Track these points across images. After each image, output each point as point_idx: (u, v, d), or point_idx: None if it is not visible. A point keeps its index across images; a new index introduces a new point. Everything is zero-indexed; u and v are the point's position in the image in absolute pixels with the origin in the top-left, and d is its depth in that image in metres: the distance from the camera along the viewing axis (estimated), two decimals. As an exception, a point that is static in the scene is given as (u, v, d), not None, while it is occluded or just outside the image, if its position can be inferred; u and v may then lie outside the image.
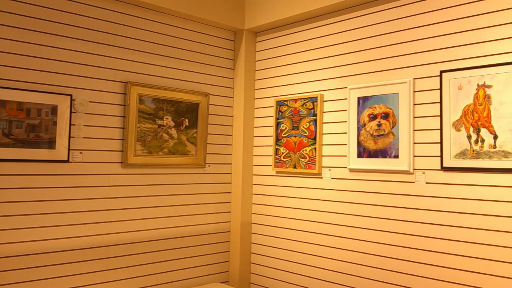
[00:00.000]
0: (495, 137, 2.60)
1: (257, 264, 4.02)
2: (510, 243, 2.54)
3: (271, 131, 3.97)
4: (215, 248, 3.99)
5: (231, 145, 4.13)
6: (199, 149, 3.83)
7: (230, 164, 4.12)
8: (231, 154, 4.13)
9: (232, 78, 4.15)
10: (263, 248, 3.97)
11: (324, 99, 3.55)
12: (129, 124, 3.40)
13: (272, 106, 3.97)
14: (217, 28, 4.03)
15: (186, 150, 3.75)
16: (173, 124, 3.67)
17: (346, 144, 3.39)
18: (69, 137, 3.12)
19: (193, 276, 3.84)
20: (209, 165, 3.95)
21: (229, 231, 4.09)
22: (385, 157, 3.11)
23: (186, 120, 3.75)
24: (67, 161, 3.12)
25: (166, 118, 3.62)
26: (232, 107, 4.14)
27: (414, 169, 2.98)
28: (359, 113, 3.28)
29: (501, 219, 2.58)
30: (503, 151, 2.57)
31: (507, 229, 2.56)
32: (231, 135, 4.14)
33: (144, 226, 3.53)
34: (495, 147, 2.60)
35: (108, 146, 3.34)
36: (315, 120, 3.56)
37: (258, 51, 4.14)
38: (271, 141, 3.97)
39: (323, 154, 3.54)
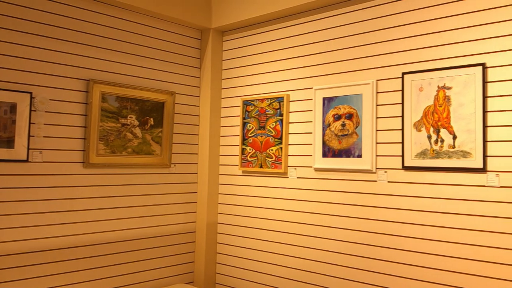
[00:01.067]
0: (454, 137, 2.68)
1: (222, 264, 4.01)
2: (467, 240, 2.63)
3: (238, 130, 3.96)
4: (180, 249, 3.95)
5: (197, 144, 4.10)
6: (164, 149, 3.78)
7: (196, 163, 4.09)
8: (197, 154, 4.10)
9: (198, 77, 4.12)
10: (229, 248, 3.96)
11: (290, 99, 3.58)
12: (91, 123, 3.32)
13: (239, 106, 3.96)
14: (183, 26, 3.99)
15: (151, 150, 3.70)
16: (138, 123, 3.61)
17: (311, 144, 3.42)
18: (29, 136, 3.02)
19: (157, 277, 3.78)
20: (174, 165, 3.90)
21: (194, 232, 4.06)
22: (349, 156, 3.16)
23: (151, 119, 3.70)
24: (27, 160, 3.01)
25: (130, 117, 3.56)
26: (198, 106, 4.11)
27: (377, 168, 3.04)
28: (324, 113, 3.32)
29: (459, 217, 2.67)
30: (461, 151, 2.65)
31: (465, 226, 2.64)
32: (197, 135, 4.10)
33: (107, 228, 3.46)
34: (454, 147, 2.68)
35: (69, 146, 3.25)
36: (282, 120, 3.58)
37: (225, 50, 4.13)
38: (237, 140, 3.96)
39: (289, 154, 3.57)
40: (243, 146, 3.85)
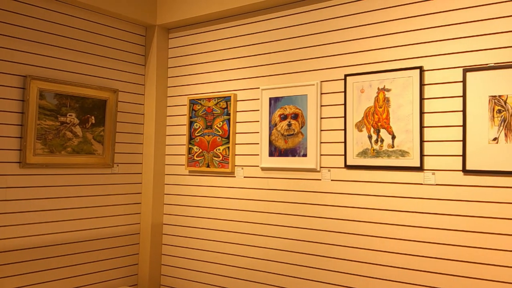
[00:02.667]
0: (393, 137, 2.80)
1: (168, 265, 3.94)
2: (406, 236, 2.75)
3: (184, 129, 3.91)
4: (123, 251, 3.85)
5: (142, 144, 4.01)
6: (107, 148, 3.66)
7: (141, 163, 4.00)
8: (141, 153, 4.00)
9: (143, 75, 4.03)
10: (175, 249, 3.91)
11: (238, 99, 3.58)
12: (28, 121, 3.15)
13: (185, 105, 3.92)
14: (127, 22, 3.88)
15: (92, 149, 3.57)
16: (78, 122, 3.47)
17: (258, 143, 3.44)
18: (-44, 134, 2.82)
19: (100, 281, 3.66)
20: (117, 165, 3.79)
21: (138, 233, 3.97)
22: (294, 156, 3.21)
23: (93, 117, 3.57)
24: (-46, 161, 2.81)
25: (69, 115, 3.41)
26: (143, 104, 4.02)
27: (321, 167, 3.12)
28: (270, 113, 3.35)
29: (398, 213, 2.79)
30: (400, 150, 2.77)
31: (404, 223, 2.76)
32: (142, 134, 4.01)
33: (46, 230, 3.30)
34: (393, 146, 2.80)
35: (4, 145, 3.07)
36: (229, 120, 3.57)
37: (170, 48, 4.06)
38: (184, 140, 3.91)
39: (236, 153, 3.57)
40: (190, 146, 3.81)
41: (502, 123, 2.41)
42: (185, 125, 3.91)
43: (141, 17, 3.82)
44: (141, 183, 3.99)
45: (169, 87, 4.06)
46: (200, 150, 3.73)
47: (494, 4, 2.50)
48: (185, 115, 3.91)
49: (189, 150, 3.81)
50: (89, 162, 3.55)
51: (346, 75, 3.00)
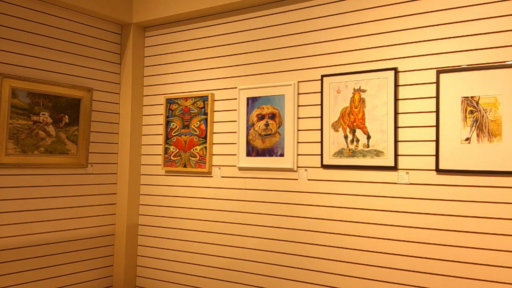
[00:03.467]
0: (368, 137, 2.84)
1: (143, 266, 3.90)
2: (380, 235, 2.80)
3: (161, 129, 3.88)
4: (98, 252, 3.78)
5: (117, 143, 3.95)
6: (81, 148, 3.60)
7: (116, 163, 3.94)
8: (117, 153, 3.94)
9: (118, 74, 3.97)
10: (150, 250, 3.87)
11: (215, 99, 3.57)
12: (0, 120, 3.07)
13: (162, 104, 3.88)
14: (102, 20, 3.82)
15: (65, 149, 3.49)
16: (51, 121, 3.39)
17: (235, 143, 3.44)
18: None
19: (74, 283, 3.59)
20: (91, 165, 3.73)
21: (113, 234, 3.91)
22: (272, 155, 3.23)
23: (66, 116, 3.49)
24: None
25: (42, 114, 3.34)
26: (118, 103, 3.96)
27: (298, 167, 3.14)
28: (248, 113, 3.35)
29: (373, 212, 2.83)
30: (375, 150, 2.81)
31: (378, 221, 2.81)
32: (117, 133, 3.95)
33: (18, 232, 3.21)
34: (368, 146, 2.84)
35: (-28, 144, 2.98)
36: (206, 119, 3.56)
37: (147, 47, 4.02)
38: (160, 139, 3.88)
39: (214, 153, 3.56)
40: (167, 145, 3.77)
41: (474, 124, 2.48)
42: (161, 124, 3.87)
43: (116, 15, 3.76)
44: (116, 183, 3.94)
45: (145, 86, 4.01)
46: (177, 150, 3.70)
47: (467, 7, 2.57)
48: (162, 114, 3.87)
49: (166, 150, 3.77)
50: (63, 162, 3.48)
51: (322, 76, 3.02)
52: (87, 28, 3.71)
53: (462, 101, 2.52)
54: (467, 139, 2.50)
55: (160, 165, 3.86)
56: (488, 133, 2.44)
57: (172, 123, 3.75)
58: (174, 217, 3.75)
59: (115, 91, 3.94)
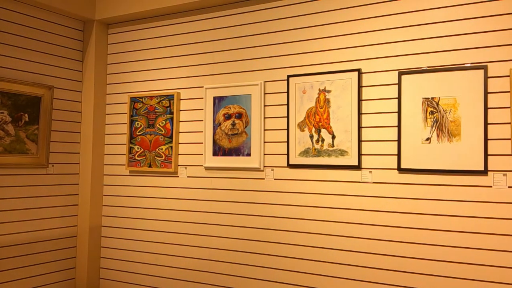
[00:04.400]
0: (333, 137, 2.90)
1: (107, 268, 3.82)
2: (345, 233, 2.86)
3: (125, 128, 3.81)
4: (60, 255, 3.68)
5: (79, 143, 3.85)
6: (41, 148, 3.48)
7: (78, 163, 3.84)
8: (79, 153, 3.84)
9: (80, 71, 3.87)
10: (114, 252, 3.79)
11: (181, 98, 3.54)
12: (-48, 118, 2.93)
13: (126, 103, 3.81)
14: (64, 16, 3.71)
15: (25, 149, 3.37)
16: (10, 120, 3.27)
17: (202, 143, 3.43)
18: None
19: (34, 286, 3.47)
20: (52, 165, 3.62)
21: (76, 236, 3.81)
22: (238, 155, 3.24)
23: (26, 115, 3.37)
24: None
25: (1, 113, 3.20)
26: (80, 102, 3.86)
27: (264, 166, 3.17)
28: (215, 112, 3.35)
29: (338, 211, 2.90)
30: (339, 150, 2.88)
31: (343, 220, 2.88)
32: (79, 133, 3.85)
33: (-28, 236, 3.09)
34: (333, 146, 2.90)
35: None
36: (172, 118, 3.53)
37: (110, 44, 3.93)
38: (124, 139, 3.81)
39: (180, 153, 3.53)
40: (131, 145, 3.71)
41: (435, 124, 2.59)
42: (125, 123, 3.80)
43: (79, 12, 3.66)
44: (78, 184, 3.84)
45: (108, 84, 3.93)
46: (142, 149, 3.65)
47: (428, 10, 2.67)
48: (126, 113, 3.81)
49: (130, 150, 3.71)
50: (23, 162, 3.36)
51: (289, 76, 3.06)
52: (48, 24, 3.59)
53: (423, 102, 2.62)
54: (427, 139, 2.60)
55: (124, 165, 3.80)
56: (448, 133, 2.55)
57: (136, 122, 3.69)
58: (139, 218, 3.69)
59: (77, 89, 3.84)
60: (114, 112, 3.88)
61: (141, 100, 3.68)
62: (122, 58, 3.86)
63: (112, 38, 3.93)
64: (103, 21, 3.86)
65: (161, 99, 3.58)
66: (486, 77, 2.46)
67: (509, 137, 2.41)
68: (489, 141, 2.46)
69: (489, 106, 2.47)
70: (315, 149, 2.96)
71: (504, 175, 2.43)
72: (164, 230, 3.56)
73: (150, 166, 3.60)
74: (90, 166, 3.79)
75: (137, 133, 3.69)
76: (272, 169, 3.13)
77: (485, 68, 2.46)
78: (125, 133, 3.80)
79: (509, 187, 2.42)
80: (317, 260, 2.96)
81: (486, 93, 2.46)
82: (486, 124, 2.45)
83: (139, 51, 3.77)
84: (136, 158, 3.68)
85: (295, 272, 3.03)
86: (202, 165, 3.42)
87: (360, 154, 2.82)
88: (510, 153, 2.42)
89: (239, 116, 3.25)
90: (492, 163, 2.46)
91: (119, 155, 3.83)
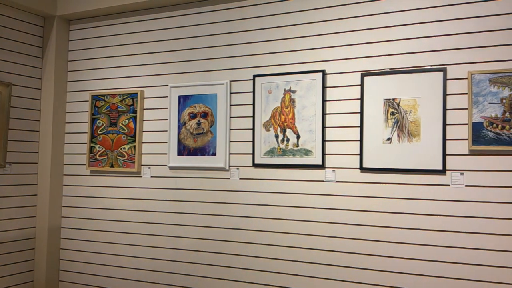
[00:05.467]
0: (298, 136, 2.93)
1: (67, 271, 3.71)
2: (309, 231, 2.89)
3: (86, 127, 3.71)
4: (17, 257, 3.54)
5: (38, 142, 3.72)
6: (-2, 146, 3.35)
7: (36, 163, 3.71)
8: (37, 153, 3.72)
9: (40, 68, 3.74)
10: (74, 254, 3.69)
11: (145, 96, 3.49)
12: None
13: (88, 101, 3.72)
14: (23, 11, 3.58)
15: (-20, 147, 3.24)
16: (-37, 116, 3.13)
17: (166, 142, 3.38)
18: None
19: (-13, 292, 3.34)
20: (10, 165, 3.48)
21: (34, 238, 3.68)
22: (204, 155, 3.22)
23: (-19, 112, 3.24)
24: None
25: (-47, 109, 3.07)
26: (39, 100, 3.73)
27: (230, 166, 3.16)
28: (180, 111, 3.31)
29: (303, 209, 2.92)
30: (304, 149, 2.91)
31: (308, 218, 2.91)
32: (38, 131, 3.72)
33: None
34: (298, 145, 2.93)
35: None
36: (135, 117, 3.46)
37: (71, 41, 3.83)
38: (85, 138, 3.71)
39: (143, 152, 3.47)
40: (92, 144, 3.62)
41: (395, 125, 2.65)
42: (86, 122, 3.71)
43: (39, 7, 3.55)
44: (36, 184, 3.71)
45: (69, 81, 3.82)
46: (103, 149, 3.57)
47: (390, 13, 2.74)
48: (87, 111, 3.71)
49: (91, 149, 3.62)
50: (-24, 161, 3.22)
51: (254, 76, 3.07)
52: (7, 19, 3.46)
53: (384, 103, 2.69)
54: (388, 139, 2.66)
55: (84, 165, 3.70)
56: (408, 133, 2.62)
57: (98, 121, 3.61)
58: (100, 219, 3.60)
59: (37, 87, 3.71)
60: (75, 110, 3.78)
61: (103, 98, 3.59)
62: (83, 55, 3.76)
63: (73, 35, 3.82)
64: (64, 17, 3.75)
65: (124, 97, 3.51)
66: (445, 79, 2.54)
67: (467, 138, 2.51)
68: (447, 141, 2.55)
69: (447, 107, 2.55)
70: (280, 149, 2.97)
71: (462, 174, 2.52)
72: (127, 231, 3.49)
73: (112, 166, 3.53)
74: (49, 166, 3.67)
75: (99, 132, 3.60)
76: (238, 169, 3.13)
77: (444, 71, 2.55)
78: (86, 132, 3.70)
79: (466, 186, 2.51)
80: (282, 259, 2.97)
81: (445, 94, 2.54)
82: (444, 124, 2.54)
83: (101, 48, 3.69)
84: (98, 157, 3.59)
85: (261, 271, 3.03)
86: (166, 165, 3.37)
87: (324, 154, 2.86)
88: (467, 153, 2.51)
89: (205, 115, 3.23)
90: (450, 162, 2.54)
91: (80, 155, 3.73)
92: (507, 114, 2.40)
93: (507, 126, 2.39)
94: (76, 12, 3.61)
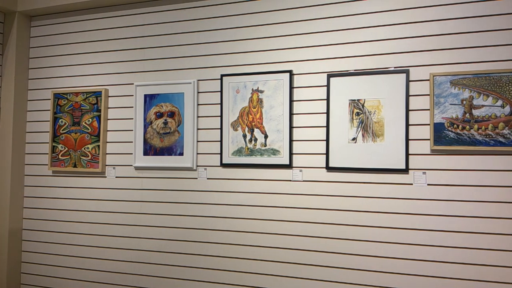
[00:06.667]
0: (266, 136, 2.93)
1: (29, 273, 3.59)
2: (277, 231, 2.91)
3: (48, 126, 3.60)
4: (-26, 262, 3.41)
5: (-3, 141, 3.59)
6: (-47, 146, 3.21)
7: (-4, 163, 3.58)
8: (-4, 152, 3.59)
9: (0, 65, 3.61)
10: (36, 256, 3.57)
11: (109, 95, 3.41)
12: None
13: (50, 99, 3.61)
14: (-21, 4, 3.44)
15: None
16: None
17: (132, 142, 3.33)
18: None
19: None
20: (-34, 165, 3.35)
21: (-7, 241, 3.55)
22: (170, 154, 3.18)
23: None
24: None
25: None
26: (-2, 97, 3.60)
27: (197, 166, 3.13)
28: (146, 110, 3.26)
29: (271, 209, 2.93)
30: (272, 149, 2.92)
31: (276, 218, 2.92)
32: (-3, 130, 3.59)
33: None
34: (265, 145, 2.93)
35: None
36: (99, 116, 3.39)
37: (33, 37, 3.70)
38: (47, 137, 3.60)
39: (107, 152, 3.40)
40: (54, 144, 3.52)
41: (360, 125, 2.70)
42: (48, 121, 3.60)
43: (-3, 0, 3.42)
44: (-5, 185, 3.58)
45: (30, 79, 3.70)
46: (66, 148, 3.47)
47: (355, 16, 2.78)
48: (49, 110, 3.60)
49: (53, 149, 3.52)
50: None
51: (222, 75, 3.06)
52: (-40, 11, 3.32)
53: (349, 103, 2.73)
54: (353, 139, 2.71)
55: (46, 165, 3.59)
56: (372, 133, 2.67)
57: (60, 120, 3.51)
58: (63, 221, 3.51)
59: (-5, 84, 3.58)
60: (36, 109, 3.66)
61: (65, 96, 3.50)
62: (45, 52, 3.65)
63: (35, 31, 3.70)
64: (26, 13, 3.62)
65: (87, 95, 3.43)
66: (408, 81, 2.61)
67: (429, 138, 2.58)
68: (410, 141, 2.61)
69: (410, 108, 2.62)
70: (248, 149, 2.97)
71: (424, 173, 2.58)
72: (90, 232, 3.41)
73: (75, 166, 3.44)
74: (9, 166, 3.54)
75: (61, 131, 3.50)
76: (205, 169, 3.11)
77: (407, 72, 2.61)
78: (48, 131, 3.59)
79: (428, 184, 2.58)
80: (250, 259, 2.97)
81: (407, 95, 2.60)
82: (407, 125, 2.60)
83: (64, 45, 3.59)
84: (60, 157, 3.49)
85: (229, 271, 3.03)
86: (131, 165, 3.32)
87: (291, 153, 2.88)
88: (429, 153, 2.58)
89: (172, 114, 3.19)
90: (413, 162, 2.61)
91: (42, 155, 3.62)
92: (467, 115, 2.48)
93: (467, 127, 2.48)
94: (38, 8, 3.50)
